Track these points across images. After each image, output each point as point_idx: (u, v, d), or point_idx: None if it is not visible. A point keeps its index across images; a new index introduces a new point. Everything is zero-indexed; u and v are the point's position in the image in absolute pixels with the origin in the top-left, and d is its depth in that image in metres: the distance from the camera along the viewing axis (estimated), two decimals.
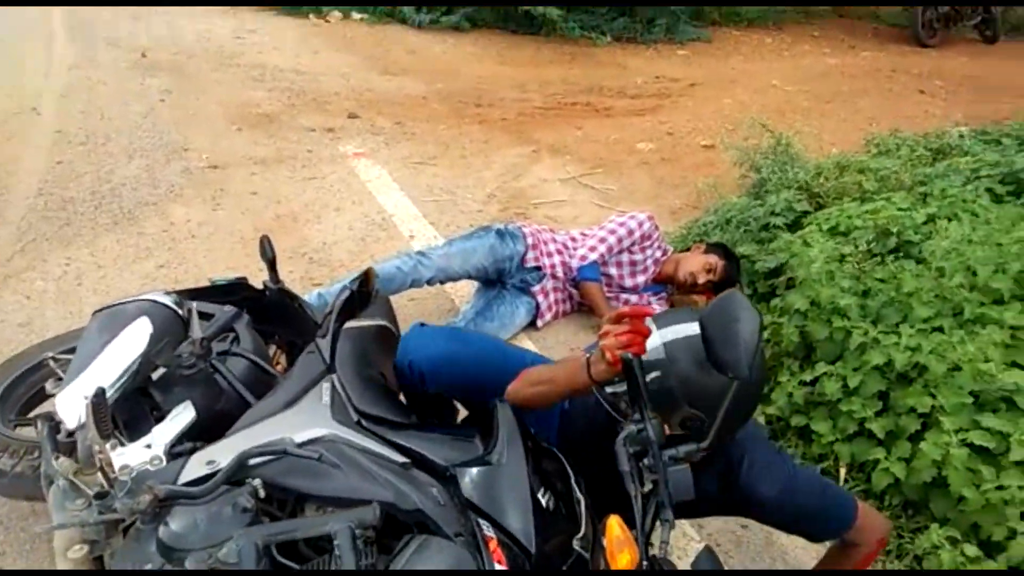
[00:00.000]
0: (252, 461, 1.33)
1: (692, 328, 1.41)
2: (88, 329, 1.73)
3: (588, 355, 1.45)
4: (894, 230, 2.92)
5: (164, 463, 1.40)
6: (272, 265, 2.17)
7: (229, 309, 2.00)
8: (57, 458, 1.44)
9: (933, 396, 2.17)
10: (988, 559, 1.90)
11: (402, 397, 1.83)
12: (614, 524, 1.16)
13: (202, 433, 1.57)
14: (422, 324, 1.87)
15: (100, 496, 1.30)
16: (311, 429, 1.49)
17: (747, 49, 8.65)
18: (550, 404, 1.65)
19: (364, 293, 2.01)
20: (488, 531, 1.29)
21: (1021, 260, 2.45)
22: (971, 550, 1.90)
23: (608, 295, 3.17)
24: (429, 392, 1.76)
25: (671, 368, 1.38)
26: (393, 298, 2.37)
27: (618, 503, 1.34)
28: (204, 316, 1.93)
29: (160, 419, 1.60)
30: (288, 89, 5.88)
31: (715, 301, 1.47)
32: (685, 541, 2.08)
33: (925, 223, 2.98)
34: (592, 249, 3.11)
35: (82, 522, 1.29)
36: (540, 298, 3.08)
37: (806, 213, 3.44)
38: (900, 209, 3.07)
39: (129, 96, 5.33)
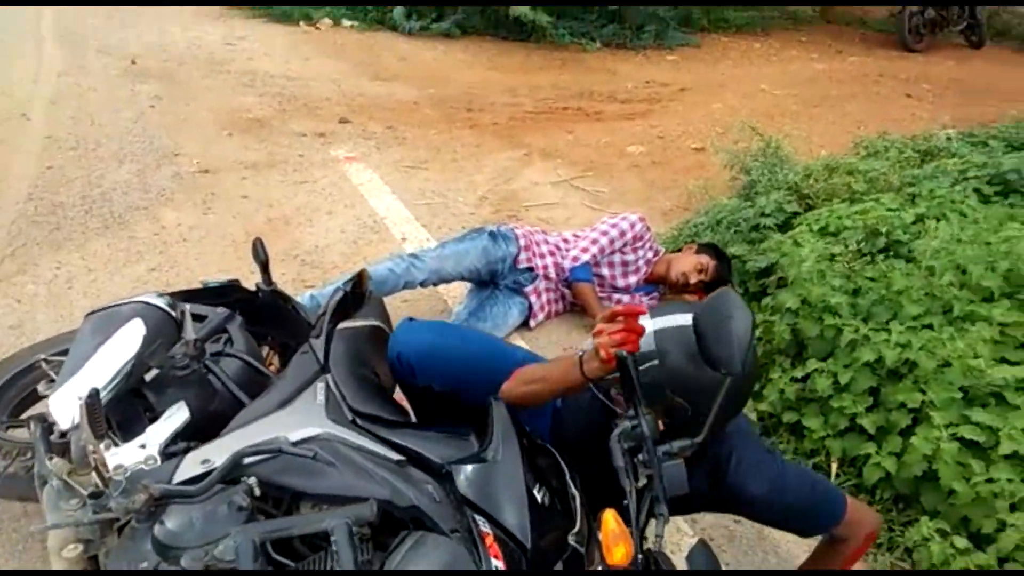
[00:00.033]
0: (247, 460, 1.33)
1: (684, 319, 1.42)
2: (81, 331, 1.73)
3: (581, 353, 1.46)
4: (883, 230, 2.94)
5: (159, 463, 1.41)
6: (265, 267, 2.17)
7: (222, 311, 2.00)
8: (51, 459, 1.43)
9: (923, 392, 2.19)
10: (978, 551, 1.92)
11: (406, 404, 1.84)
12: (610, 518, 1.17)
13: (196, 433, 1.57)
14: (411, 319, 1.88)
15: (95, 496, 1.30)
16: (306, 428, 1.49)
17: (735, 54, 8.70)
18: (543, 402, 1.66)
19: (358, 294, 2.02)
20: (484, 527, 1.29)
21: (1010, 258, 2.47)
22: (961, 542, 1.91)
23: (600, 295, 3.18)
24: (420, 385, 1.77)
25: (661, 356, 1.38)
26: (386, 300, 2.37)
27: (611, 499, 1.34)
28: (197, 318, 1.93)
29: (154, 420, 1.60)
30: (279, 95, 5.88)
31: (708, 299, 1.49)
32: (679, 536, 2.09)
33: (914, 223, 3.01)
34: (584, 250, 3.13)
35: (77, 522, 1.29)
36: (533, 298, 3.09)
37: (796, 214, 3.46)
38: (889, 210, 3.10)
39: (119, 102, 5.31)
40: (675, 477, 1.31)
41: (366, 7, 8.45)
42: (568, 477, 1.56)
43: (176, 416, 1.56)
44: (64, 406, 1.49)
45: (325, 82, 6.34)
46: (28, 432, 1.63)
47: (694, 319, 1.41)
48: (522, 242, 3.09)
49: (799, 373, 2.49)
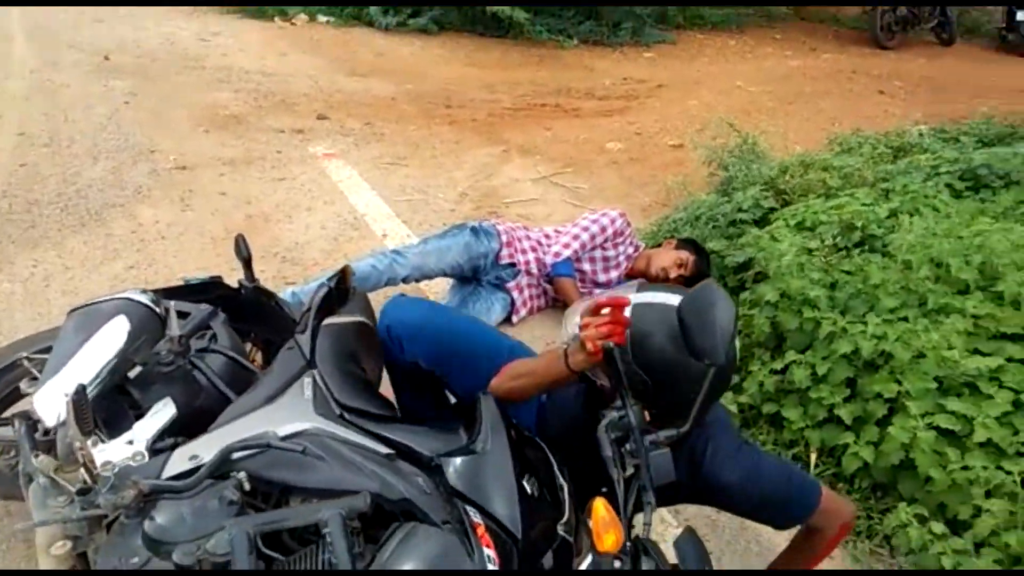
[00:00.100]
0: (236, 455, 1.32)
1: (667, 298, 1.44)
2: (64, 328, 1.71)
3: (566, 346, 1.47)
4: (858, 225, 2.99)
5: (146, 459, 1.40)
6: (247, 263, 2.16)
7: (205, 307, 1.99)
8: (36, 456, 1.42)
9: (899, 382, 2.23)
10: (955, 536, 1.96)
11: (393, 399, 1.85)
12: (600, 506, 1.18)
13: (183, 430, 1.56)
14: (402, 295, 1.91)
15: (83, 492, 1.29)
16: (294, 423, 1.49)
17: (711, 51, 8.78)
18: (531, 396, 1.68)
19: (342, 290, 2.02)
20: (475, 517, 1.30)
21: (983, 252, 2.52)
22: (938, 527, 1.95)
23: (582, 290, 3.20)
24: (407, 362, 1.78)
25: (642, 337, 1.40)
26: (369, 296, 2.38)
27: (596, 491, 1.36)
28: (180, 315, 1.92)
29: (139, 417, 1.59)
30: (255, 91, 5.84)
31: (692, 291, 1.50)
32: (663, 527, 2.12)
33: (888, 218, 3.06)
34: (566, 246, 3.15)
35: (65, 518, 1.28)
36: (515, 294, 3.10)
37: (773, 209, 3.51)
38: (864, 205, 3.14)
39: (93, 99, 5.25)
40: (662, 466, 1.33)
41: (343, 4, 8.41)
42: (556, 468, 1.57)
43: (163, 412, 1.55)
44: (49, 403, 1.48)
45: (302, 78, 6.30)
46: (12, 430, 1.61)
47: (678, 311, 1.43)
48: (504, 238, 3.10)
49: (778, 365, 2.53)
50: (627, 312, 1.38)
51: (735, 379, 2.63)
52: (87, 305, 1.78)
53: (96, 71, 5.88)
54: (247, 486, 1.29)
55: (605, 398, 1.48)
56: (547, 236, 3.26)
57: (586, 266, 3.23)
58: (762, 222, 3.44)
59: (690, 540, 1.31)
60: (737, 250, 3.19)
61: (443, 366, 1.83)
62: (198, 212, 3.81)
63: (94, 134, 4.62)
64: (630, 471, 1.36)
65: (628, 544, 1.24)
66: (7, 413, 1.90)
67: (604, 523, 1.18)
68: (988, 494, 1.96)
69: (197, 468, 1.31)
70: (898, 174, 3.64)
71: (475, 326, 1.99)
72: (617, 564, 1.19)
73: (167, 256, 3.37)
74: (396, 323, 1.82)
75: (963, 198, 3.40)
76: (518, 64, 7.55)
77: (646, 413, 1.41)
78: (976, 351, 2.26)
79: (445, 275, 3.09)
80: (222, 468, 1.30)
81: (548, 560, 1.40)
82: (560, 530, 1.43)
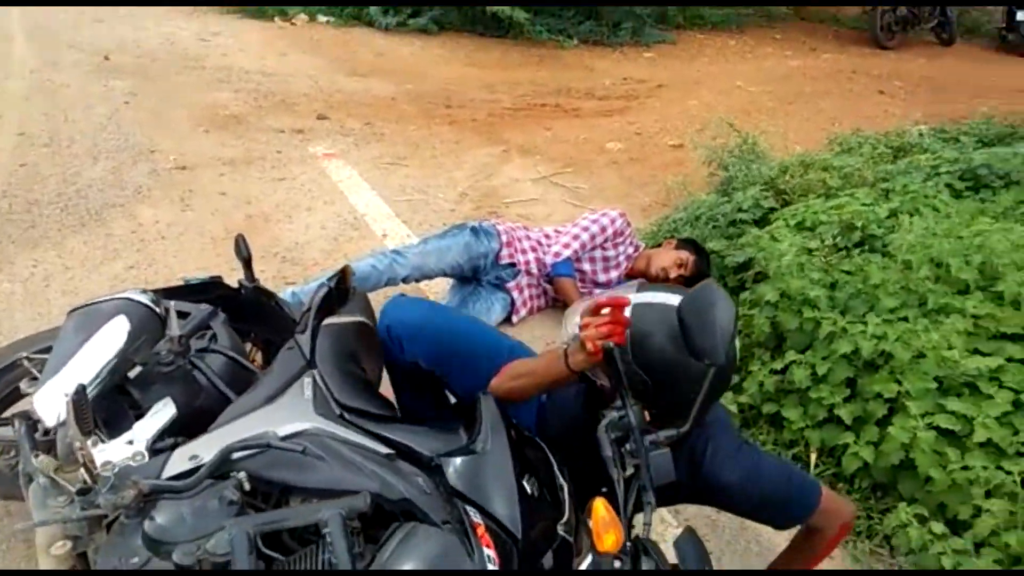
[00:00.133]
0: (236, 455, 1.32)
1: (668, 298, 1.44)
2: (64, 328, 1.71)
3: (566, 346, 1.47)
4: (858, 225, 2.99)
5: (147, 459, 1.40)
6: (247, 263, 2.16)
7: (205, 307, 1.99)
8: (36, 456, 1.42)
9: (899, 382, 2.23)
10: (955, 536, 1.96)
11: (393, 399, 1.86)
12: (600, 506, 1.18)
13: (183, 430, 1.56)
14: (402, 295, 1.91)
15: (83, 492, 1.29)
16: (294, 423, 1.49)
17: (711, 51, 8.78)
18: (531, 396, 1.68)
19: (342, 290, 2.02)
20: (476, 517, 1.30)
21: (983, 252, 2.52)
22: (938, 527, 1.95)
23: (582, 290, 3.20)
24: (406, 362, 1.79)
25: (642, 336, 1.40)
26: (369, 296, 2.38)
27: (596, 491, 1.36)
28: (180, 315, 1.92)
29: (139, 417, 1.59)
30: (255, 91, 5.84)
31: (692, 291, 1.50)
32: (663, 527, 2.12)
33: (888, 218, 3.06)
34: (566, 246, 3.15)
35: (65, 518, 1.28)
36: (515, 294, 3.11)
37: (773, 209, 3.51)
38: (864, 205, 3.15)
39: (93, 99, 5.25)
40: (662, 466, 1.33)
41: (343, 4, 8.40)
42: (556, 468, 1.57)
43: (163, 412, 1.55)
44: (49, 403, 1.48)
45: (302, 78, 6.30)
46: (12, 430, 1.61)
47: (678, 311, 1.43)
48: (504, 238, 3.10)
49: (778, 365, 2.53)
50: (627, 312, 1.38)
51: (735, 379, 2.63)
52: (87, 305, 1.78)
53: (96, 71, 5.88)
54: (247, 486, 1.29)
55: (605, 398, 1.48)
56: (547, 236, 3.26)
57: (586, 266, 3.23)
58: (762, 222, 3.44)
59: (690, 540, 1.31)
60: (737, 250, 3.19)
61: (443, 366, 1.84)
62: (198, 212, 3.81)
63: (94, 134, 4.62)
64: (630, 471, 1.36)
65: (628, 544, 1.24)
66: (7, 413, 1.90)
67: (604, 523, 1.18)
68: (988, 494, 1.96)
69: (197, 468, 1.31)
70: (898, 174, 3.64)
71: (475, 326, 1.99)
72: (617, 564, 1.19)
73: (167, 256, 3.37)
74: (396, 323, 1.82)
75: (963, 198, 3.40)
76: (518, 64, 7.55)
77: (646, 413, 1.41)
78: (976, 351, 2.26)
79: (445, 275, 3.09)
80: (222, 468, 1.30)
81: (548, 560, 1.40)
82: (560, 530, 1.43)
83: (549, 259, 3.15)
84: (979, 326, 2.33)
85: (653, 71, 7.62)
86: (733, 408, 2.56)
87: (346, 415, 1.54)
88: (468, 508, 1.34)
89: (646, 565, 1.23)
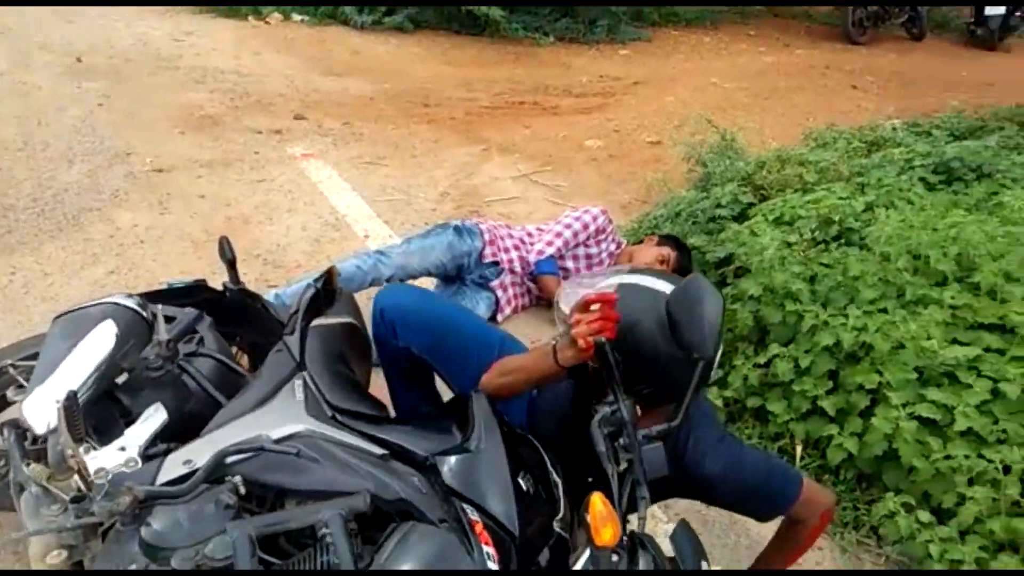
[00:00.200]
0: (230, 459, 1.32)
1: (656, 284, 1.46)
2: (50, 334, 1.69)
3: (554, 343, 1.49)
4: (836, 218, 3.04)
5: (140, 465, 1.39)
6: (232, 265, 2.15)
7: (191, 311, 1.98)
8: (28, 464, 1.41)
9: (880, 373, 2.26)
10: (941, 524, 2.00)
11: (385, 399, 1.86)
12: (597, 500, 1.20)
13: (174, 435, 1.55)
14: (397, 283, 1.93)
15: (77, 500, 1.28)
16: (287, 425, 1.48)
17: (686, 48, 8.83)
18: (521, 392, 1.69)
19: (329, 291, 2.02)
20: (473, 515, 1.31)
21: (959, 243, 2.57)
22: (924, 516, 1.99)
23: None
24: (398, 347, 1.81)
25: (631, 324, 1.41)
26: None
27: (588, 486, 1.38)
28: (166, 319, 1.91)
29: (129, 423, 1.58)
30: (231, 91, 5.78)
31: (680, 285, 1.52)
32: (654, 523, 2.13)
33: (864, 211, 3.11)
34: (549, 244, 3.16)
35: (60, 527, 1.27)
36: (499, 292, 3.12)
37: (751, 204, 3.54)
38: (840, 198, 3.19)
39: (66, 101, 5.16)
40: (655, 460, 1.35)
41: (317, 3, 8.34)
42: (549, 465, 1.58)
43: (154, 418, 1.54)
44: (38, 410, 1.46)
45: (277, 78, 6.25)
46: (1, 439, 1.59)
47: (667, 305, 1.44)
48: (487, 236, 3.11)
49: (762, 359, 2.56)
50: (618, 289, 1.40)
51: (719, 374, 2.66)
52: (73, 311, 1.76)
53: (68, 73, 5.79)
54: (243, 490, 1.29)
55: (594, 385, 1.49)
56: (529, 234, 3.28)
57: (569, 263, 3.25)
58: (741, 217, 3.48)
59: (685, 534, 1.33)
60: (718, 245, 3.23)
61: (434, 352, 1.85)
62: (177, 215, 3.77)
63: (69, 137, 4.55)
64: (623, 466, 1.38)
65: (624, 538, 1.26)
66: None
67: (602, 517, 1.19)
68: (971, 482, 2.01)
69: (192, 473, 1.30)
70: (873, 168, 3.69)
71: (466, 315, 2.03)
72: (615, 558, 1.20)
73: (147, 260, 3.34)
74: (390, 307, 1.84)
75: (937, 191, 3.47)
76: (495, 62, 7.55)
77: (638, 408, 1.43)
78: (954, 341, 2.30)
79: (429, 274, 3.09)
80: (217, 472, 1.30)
81: (545, 557, 1.41)
82: (556, 526, 1.44)
83: (532, 257, 3.16)
84: (957, 316, 2.38)
85: (629, 68, 7.65)
86: (719, 403, 2.59)
87: (338, 416, 1.54)
88: (465, 506, 1.34)
89: (643, 559, 1.24)
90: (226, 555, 1.15)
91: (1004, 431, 2.05)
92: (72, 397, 1.37)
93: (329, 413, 1.55)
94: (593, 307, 1.39)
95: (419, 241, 3.05)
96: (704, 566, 1.30)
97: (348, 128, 5.24)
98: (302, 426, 1.49)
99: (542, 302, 3.26)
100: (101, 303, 1.75)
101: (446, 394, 1.97)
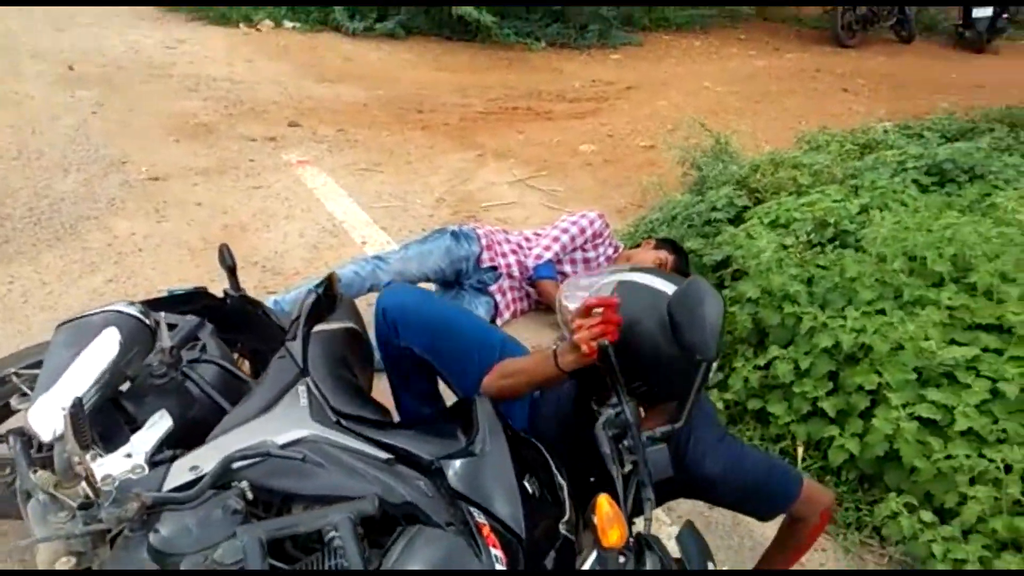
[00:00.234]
0: (237, 465, 1.32)
1: (656, 282, 1.47)
2: (54, 342, 1.69)
3: (556, 347, 1.50)
4: (831, 221, 3.06)
5: (146, 471, 1.39)
6: (232, 272, 2.15)
7: (192, 318, 1.99)
8: (34, 472, 1.41)
9: (879, 374, 2.28)
10: (943, 524, 2.01)
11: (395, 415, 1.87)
12: (604, 502, 1.20)
13: (179, 442, 1.55)
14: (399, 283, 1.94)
15: (85, 507, 1.29)
16: (292, 431, 1.49)
17: (677, 53, 8.88)
18: (522, 395, 1.70)
19: (330, 297, 2.02)
20: (480, 518, 1.32)
21: (955, 244, 2.59)
22: (927, 516, 2.01)
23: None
24: (400, 347, 1.82)
25: (631, 322, 1.42)
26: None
27: (590, 486, 1.38)
28: (168, 326, 1.91)
29: (134, 430, 1.58)
30: (224, 99, 5.78)
31: (681, 287, 1.53)
32: (657, 526, 2.14)
33: (859, 213, 3.13)
34: (546, 248, 3.18)
35: (68, 534, 1.27)
36: (498, 297, 3.12)
37: (746, 208, 3.56)
38: (835, 201, 3.21)
39: (59, 109, 5.15)
40: (659, 461, 1.36)
41: (308, 8, 8.34)
42: (554, 468, 1.59)
43: (160, 424, 1.54)
44: (44, 418, 1.46)
45: (270, 85, 6.25)
46: (6, 447, 1.59)
47: (668, 307, 1.45)
48: (484, 241, 3.12)
49: (761, 361, 2.57)
50: (618, 287, 1.41)
51: (719, 376, 2.68)
52: (76, 319, 1.75)
53: (61, 81, 5.78)
54: (250, 495, 1.29)
55: (597, 385, 1.50)
56: (527, 239, 3.29)
57: (567, 268, 3.26)
58: (736, 220, 3.50)
59: (691, 535, 1.33)
60: (714, 249, 3.25)
61: (435, 352, 1.86)
62: (174, 223, 3.77)
63: (63, 146, 4.54)
64: (628, 468, 1.39)
65: (631, 540, 1.27)
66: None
67: (609, 518, 1.19)
68: (972, 481, 2.02)
69: (198, 479, 1.30)
70: (866, 170, 3.72)
71: (468, 316, 2.05)
72: (622, 560, 1.21)
73: (145, 268, 3.33)
74: (392, 307, 1.86)
75: (930, 192, 3.50)
76: (487, 67, 7.57)
77: (641, 409, 1.43)
78: (952, 341, 2.32)
79: (428, 279, 3.10)
80: (223, 478, 1.30)
81: (551, 559, 1.42)
82: (562, 529, 1.44)
83: (530, 262, 3.17)
84: (954, 317, 2.40)
85: (621, 73, 7.68)
86: (720, 405, 2.60)
87: (343, 421, 1.55)
88: (471, 509, 1.35)
89: (650, 560, 1.24)
90: (236, 559, 1.15)
91: (1004, 430, 2.06)
92: (78, 404, 1.37)
93: (334, 418, 1.56)
94: (595, 311, 1.40)
95: (417, 247, 3.05)
96: (710, 567, 1.30)
97: (343, 135, 5.25)
98: (307, 431, 1.49)
99: (541, 306, 3.27)
100: (104, 311, 1.75)
101: (449, 398, 1.97)
